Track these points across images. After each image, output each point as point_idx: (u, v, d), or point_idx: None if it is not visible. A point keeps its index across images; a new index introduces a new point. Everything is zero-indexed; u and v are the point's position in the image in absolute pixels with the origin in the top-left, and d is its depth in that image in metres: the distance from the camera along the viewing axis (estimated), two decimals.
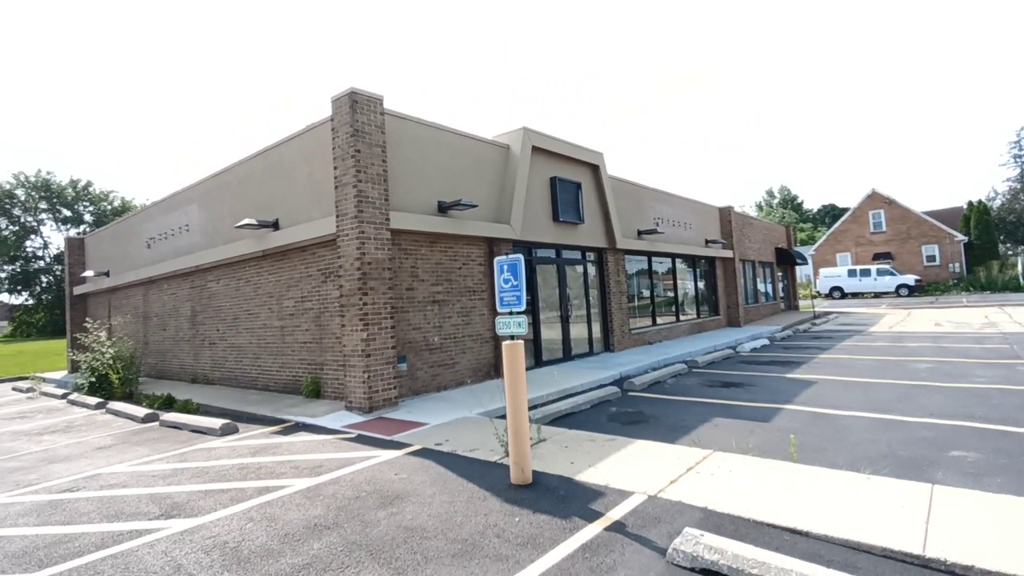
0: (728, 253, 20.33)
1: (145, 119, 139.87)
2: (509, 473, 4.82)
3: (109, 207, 47.46)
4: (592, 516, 3.97)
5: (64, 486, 5.68)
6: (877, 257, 39.81)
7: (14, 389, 15.19)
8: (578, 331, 13.00)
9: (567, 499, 4.32)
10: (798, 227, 78.18)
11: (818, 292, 37.95)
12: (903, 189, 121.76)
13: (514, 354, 4.73)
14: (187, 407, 9.37)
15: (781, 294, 27.24)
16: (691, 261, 19.01)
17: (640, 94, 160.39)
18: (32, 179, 44.45)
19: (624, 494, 4.32)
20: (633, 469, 4.85)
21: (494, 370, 10.22)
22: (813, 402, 7.67)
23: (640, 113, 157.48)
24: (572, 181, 12.65)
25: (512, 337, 4.85)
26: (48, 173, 45.16)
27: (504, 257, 5.04)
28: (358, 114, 8.10)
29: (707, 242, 19.35)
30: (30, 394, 13.82)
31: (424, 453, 5.81)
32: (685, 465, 4.86)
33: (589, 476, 4.75)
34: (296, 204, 9.50)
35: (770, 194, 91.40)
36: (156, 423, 8.70)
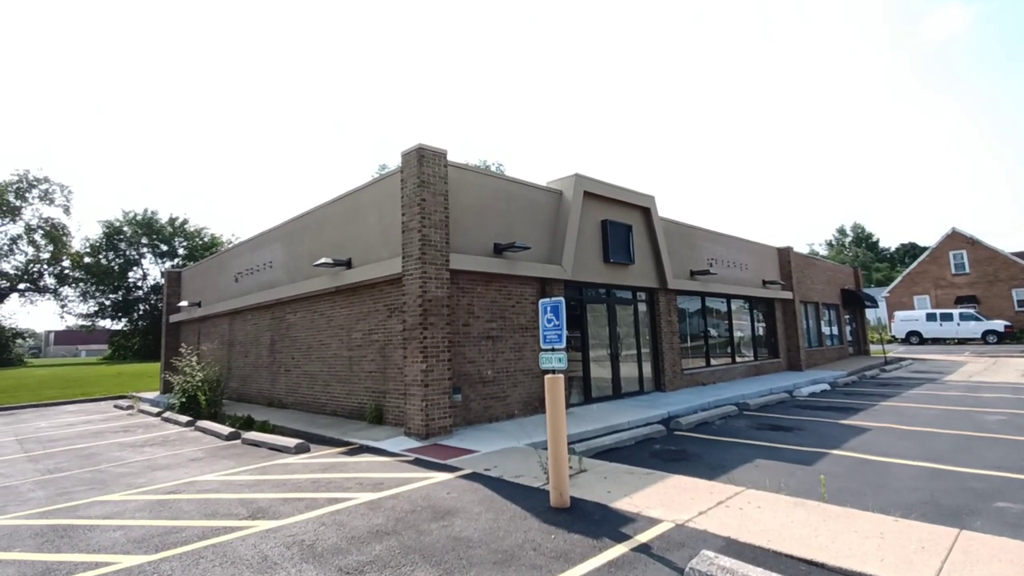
0: (787, 294, 19.95)
1: (236, 165, 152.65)
2: (549, 497, 5.26)
3: (200, 242, 52.14)
4: (621, 538, 4.35)
5: (168, 489, 6.61)
6: (960, 301, 37.26)
7: (115, 406, 17.00)
8: (628, 370, 13.24)
9: (600, 522, 4.72)
10: (873, 267, 74.22)
11: (893, 337, 35.85)
12: (988, 228, 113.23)
13: (555, 387, 5.24)
14: (265, 427, 10.38)
15: (849, 338, 26.09)
16: (748, 302, 18.82)
17: (704, 129, 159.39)
18: (138, 217, 49.76)
19: (653, 521, 4.67)
20: (665, 500, 5.18)
21: (542, 404, 10.65)
22: (862, 449, 7.61)
23: (705, 150, 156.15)
24: (623, 224, 13.15)
25: (553, 371, 5.38)
26: (153, 212, 50.47)
27: (548, 300, 5.62)
28: (424, 167, 9.06)
29: (764, 283, 19.12)
30: (129, 411, 15.48)
31: (474, 477, 6.34)
32: (716, 499, 5.13)
33: (623, 504, 5.12)
34: (367, 245, 10.53)
35: (842, 232, 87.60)
36: (238, 440, 9.70)
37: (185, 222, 52.32)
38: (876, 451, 7.45)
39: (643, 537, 4.34)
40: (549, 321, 5.54)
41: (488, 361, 9.97)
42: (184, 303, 18.64)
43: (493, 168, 50.66)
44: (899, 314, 36.26)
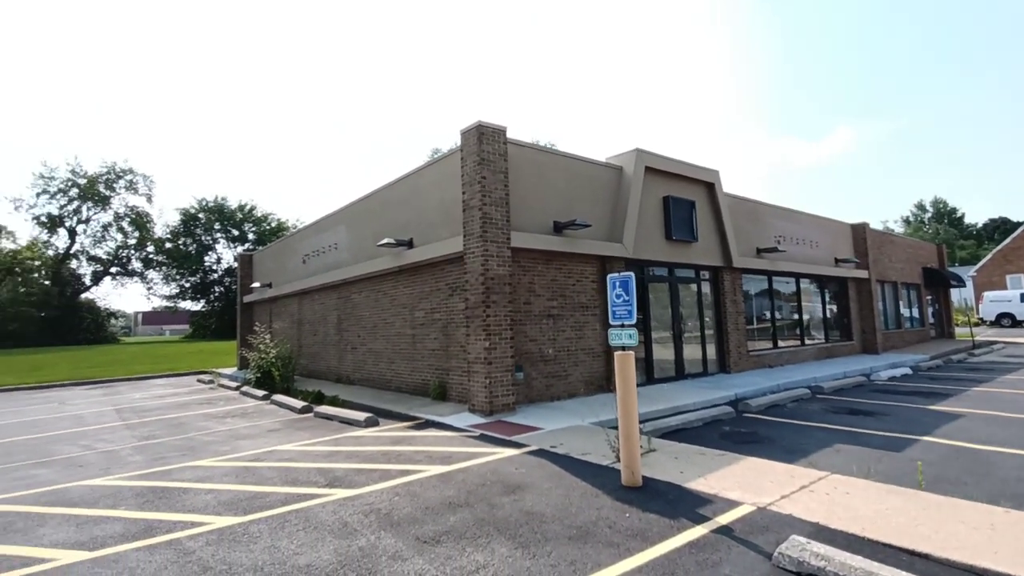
0: (862, 273, 18.72)
1: (299, 153, 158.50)
2: (620, 476, 5.18)
3: (268, 227, 54.60)
4: (700, 519, 4.22)
5: (251, 457, 6.99)
6: None
7: (198, 380, 18.21)
8: (691, 350, 12.86)
9: (675, 503, 4.60)
10: (957, 244, 68.63)
11: (980, 319, 33.12)
12: None
13: (625, 363, 5.12)
14: (335, 402, 10.80)
15: (931, 320, 24.30)
16: (819, 281, 17.81)
17: (768, 103, 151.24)
18: (210, 204, 52.66)
19: (732, 503, 4.50)
20: (743, 482, 4.98)
21: (606, 383, 10.52)
22: (956, 436, 7.06)
23: (769, 125, 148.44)
24: (686, 200, 12.66)
25: (623, 348, 5.25)
26: (223, 199, 53.26)
27: (616, 274, 5.47)
28: (484, 144, 8.99)
29: (837, 261, 18.02)
30: (211, 385, 16.53)
31: (540, 453, 6.34)
32: (799, 483, 4.89)
33: (698, 485, 4.97)
34: (428, 225, 10.63)
35: (920, 207, 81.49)
36: (311, 414, 10.15)
37: (253, 208, 54.87)
38: (972, 438, 6.89)
39: (723, 519, 4.19)
40: (618, 296, 5.39)
41: (549, 340, 9.92)
42: (256, 284, 19.61)
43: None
44: (988, 294, 33.42)
